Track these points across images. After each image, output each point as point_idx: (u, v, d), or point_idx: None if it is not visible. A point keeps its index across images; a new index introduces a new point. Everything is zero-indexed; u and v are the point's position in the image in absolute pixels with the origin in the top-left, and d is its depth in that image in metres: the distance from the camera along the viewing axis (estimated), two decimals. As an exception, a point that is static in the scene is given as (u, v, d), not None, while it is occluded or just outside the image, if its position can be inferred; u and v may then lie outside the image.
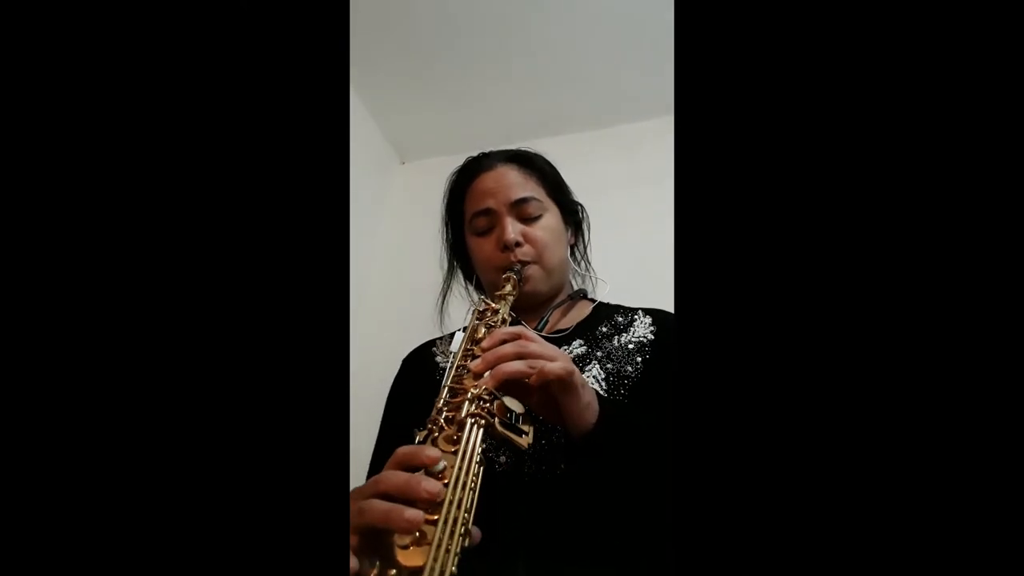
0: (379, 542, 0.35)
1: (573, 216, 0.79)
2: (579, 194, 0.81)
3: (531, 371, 0.46)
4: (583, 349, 0.66)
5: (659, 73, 1.26)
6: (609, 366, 0.63)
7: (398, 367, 0.76)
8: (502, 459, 0.57)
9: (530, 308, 0.71)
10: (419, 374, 0.72)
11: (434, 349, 0.74)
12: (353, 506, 0.37)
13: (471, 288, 0.82)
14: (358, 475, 0.66)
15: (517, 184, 0.72)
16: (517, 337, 0.49)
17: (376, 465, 0.67)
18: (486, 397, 0.43)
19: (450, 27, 1.23)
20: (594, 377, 0.62)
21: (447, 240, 0.82)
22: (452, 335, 0.72)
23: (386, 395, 0.74)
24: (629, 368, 0.62)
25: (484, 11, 1.20)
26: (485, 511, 0.39)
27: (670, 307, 0.68)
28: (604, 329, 0.68)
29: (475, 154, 0.78)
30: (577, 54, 1.28)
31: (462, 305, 0.81)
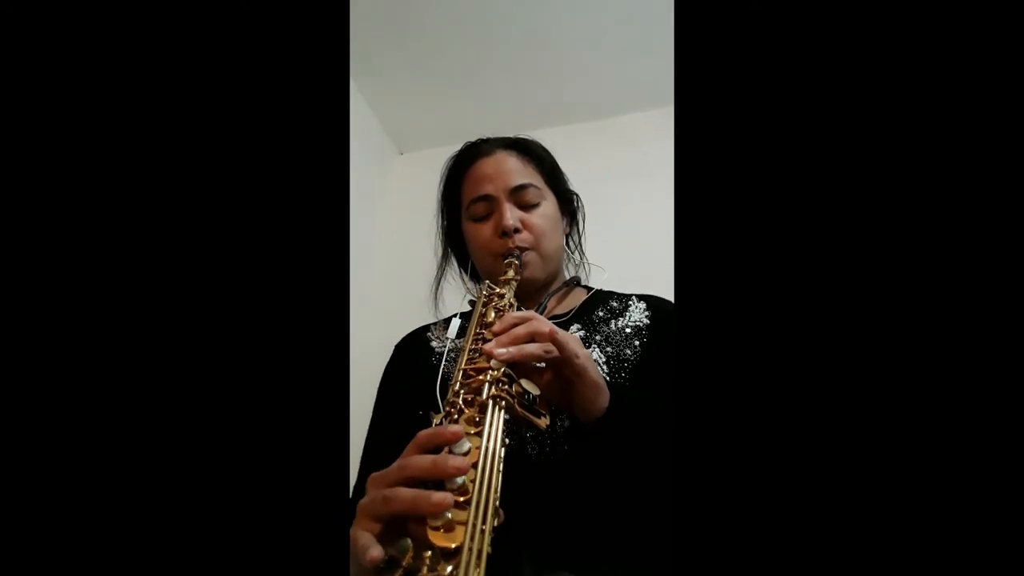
0: (408, 528, 0.35)
1: (569, 205, 0.80)
2: (579, 184, 0.81)
3: (548, 353, 0.46)
4: (582, 333, 0.67)
5: (658, 63, 1.28)
6: (609, 349, 0.64)
7: (395, 354, 0.75)
8: (507, 441, 0.57)
9: (526, 295, 0.71)
10: (414, 358, 0.71)
11: (429, 334, 0.73)
12: (377, 494, 0.37)
13: (466, 275, 0.81)
14: (354, 464, 0.65)
15: (516, 171, 0.72)
16: (528, 320, 0.49)
17: (371, 448, 0.66)
18: (504, 380, 0.43)
19: (449, 18, 1.22)
20: (595, 360, 0.62)
21: (442, 226, 0.81)
22: (448, 320, 0.71)
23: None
24: (628, 351, 0.63)
25: (483, 1, 1.19)
26: None
27: (668, 295, 0.70)
28: (600, 314, 0.69)
29: (473, 140, 0.78)
30: (577, 44, 1.28)
31: (456, 291, 0.80)
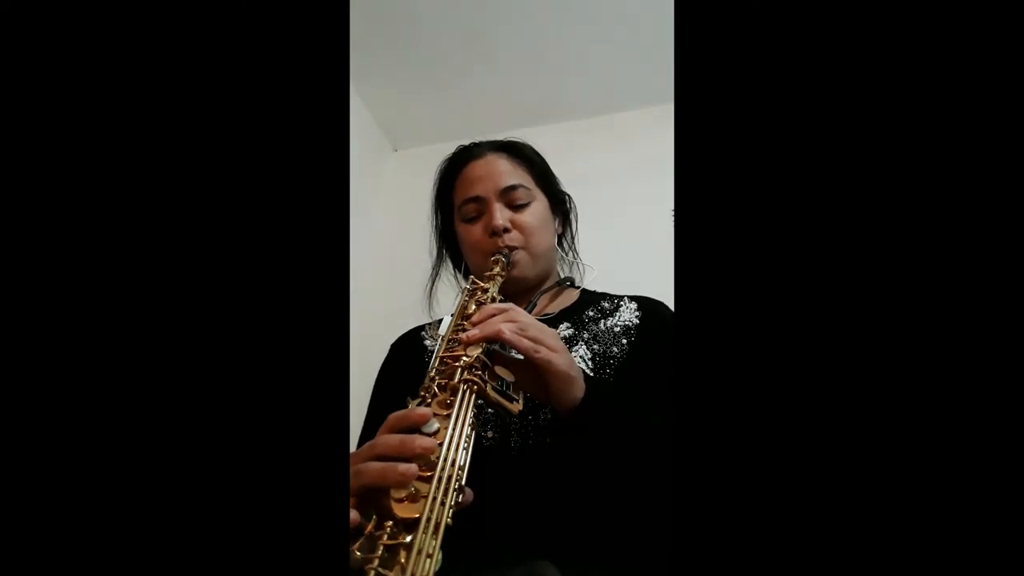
0: (376, 501, 0.36)
1: (561, 206, 0.81)
2: (573, 182, 0.83)
3: (522, 334, 0.47)
4: (570, 331, 0.67)
5: (654, 61, 1.27)
6: (595, 347, 0.64)
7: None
8: (489, 434, 0.58)
9: (517, 294, 0.72)
10: (408, 357, 0.72)
11: (423, 334, 0.75)
12: (350, 470, 0.38)
13: (459, 275, 0.83)
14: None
15: (506, 172, 0.73)
16: (506, 310, 0.50)
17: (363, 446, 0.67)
18: (478, 366, 0.44)
19: (444, 14, 1.23)
20: (580, 357, 0.63)
21: (436, 227, 0.83)
22: (440, 320, 0.73)
23: (381, 382, 0.74)
24: (615, 349, 0.64)
25: None
26: (473, 484, 0.40)
27: (663, 294, 0.70)
28: (591, 313, 0.70)
29: (465, 143, 0.80)
30: (572, 42, 1.29)
31: (451, 292, 0.82)
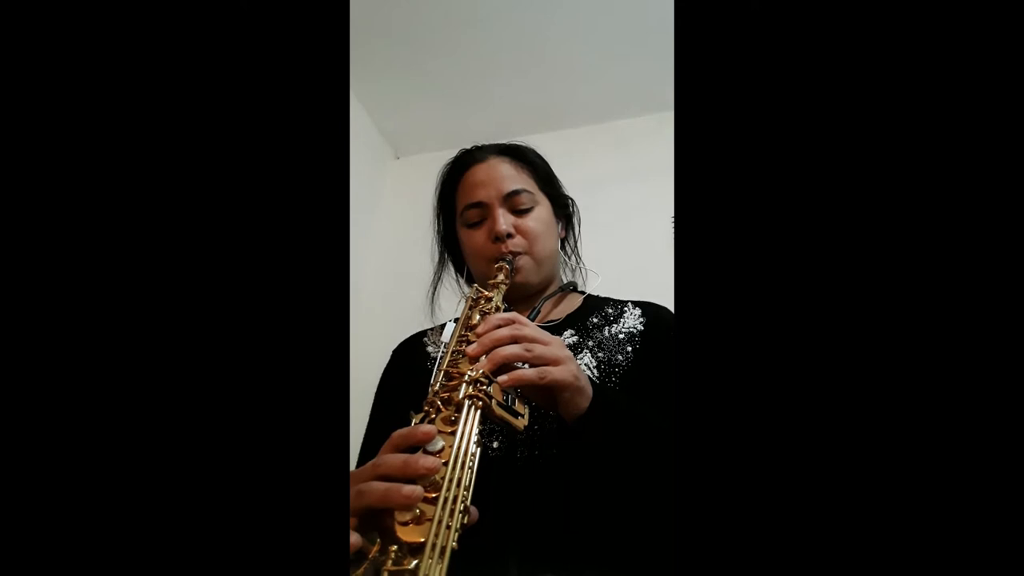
0: (379, 522, 0.35)
1: (564, 209, 0.80)
2: (574, 189, 0.82)
3: (527, 355, 0.46)
4: (574, 339, 0.67)
5: (654, 69, 1.29)
6: (600, 355, 0.64)
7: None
8: (495, 445, 0.57)
9: (521, 299, 0.72)
10: (410, 364, 0.72)
11: (425, 339, 0.74)
12: (352, 489, 0.37)
13: (462, 280, 0.82)
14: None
15: (509, 176, 0.72)
16: (511, 322, 0.49)
17: (366, 453, 0.67)
18: (483, 380, 0.44)
19: (446, 22, 1.24)
20: (586, 365, 0.62)
21: (438, 232, 0.82)
22: (443, 325, 0.72)
23: (381, 388, 0.73)
24: (620, 357, 0.63)
25: (480, 6, 1.21)
26: (479, 496, 0.39)
27: (663, 300, 0.70)
28: (595, 320, 0.69)
29: (467, 147, 0.79)
30: (573, 49, 1.30)
31: (453, 297, 0.81)
